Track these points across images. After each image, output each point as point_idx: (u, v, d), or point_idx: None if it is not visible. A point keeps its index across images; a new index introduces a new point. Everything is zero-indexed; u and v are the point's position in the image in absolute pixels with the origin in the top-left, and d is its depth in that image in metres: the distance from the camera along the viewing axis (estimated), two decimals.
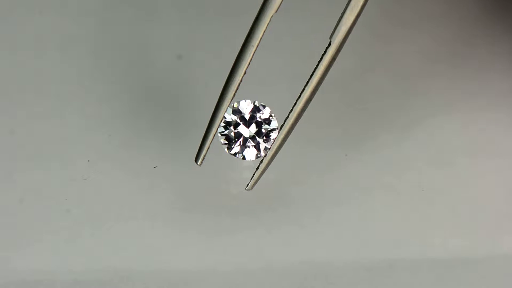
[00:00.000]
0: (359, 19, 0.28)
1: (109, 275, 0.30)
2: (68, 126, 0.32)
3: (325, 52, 0.28)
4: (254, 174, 0.29)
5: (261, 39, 0.28)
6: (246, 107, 0.30)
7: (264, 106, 0.30)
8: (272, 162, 0.29)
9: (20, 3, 0.34)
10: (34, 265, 0.30)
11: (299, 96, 0.28)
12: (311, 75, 0.28)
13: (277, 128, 0.30)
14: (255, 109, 0.30)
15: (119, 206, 0.31)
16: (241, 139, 0.30)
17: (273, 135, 0.30)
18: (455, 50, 0.34)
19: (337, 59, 0.28)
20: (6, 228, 0.31)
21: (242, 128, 0.30)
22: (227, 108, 0.29)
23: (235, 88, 0.28)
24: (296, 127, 0.29)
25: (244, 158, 0.30)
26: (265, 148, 0.30)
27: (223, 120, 0.29)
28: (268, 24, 0.28)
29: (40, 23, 0.34)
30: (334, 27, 0.28)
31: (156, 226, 0.31)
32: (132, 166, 0.32)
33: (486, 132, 0.33)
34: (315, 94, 0.28)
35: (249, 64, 0.28)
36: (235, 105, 0.30)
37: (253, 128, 0.30)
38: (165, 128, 0.32)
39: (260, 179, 0.29)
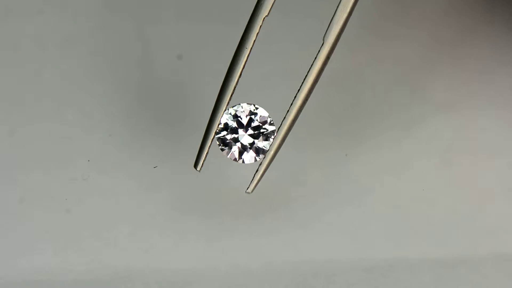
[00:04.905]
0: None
1: (109, 275, 0.30)
2: (68, 126, 0.32)
3: (318, 52, 0.28)
4: (254, 176, 0.29)
5: (254, 41, 0.28)
6: (243, 111, 0.30)
7: (261, 109, 0.30)
8: (272, 163, 0.29)
9: (20, 3, 0.34)
10: (34, 264, 0.30)
11: (295, 97, 0.28)
12: (306, 76, 0.28)
13: (275, 130, 0.30)
14: (252, 112, 0.30)
15: (119, 206, 0.31)
16: (239, 143, 0.30)
17: (271, 137, 0.30)
18: (455, 49, 0.34)
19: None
20: (6, 228, 0.31)
21: (239, 132, 0.30)
22: (223, 112, 0.29)
23: (231, 92, 0.28)
24: (295, 127, 0.29)
25: (243, 162, 0.30)
26: (264, 151, 0.30)
27: (220, 125, 0.29)
28: (261, 26, 0.28)
29: (40, 23, 0.34)
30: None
31: (156, 226, 0.31)
32: (132, 166, 0.32)
33: (487, 131, 0.33)
34: (310, 94, 0.28)
35: (243, 67, 0.28)
36: (232, 109, 0.30)
37: (250, 132, 0.30)
38: (165, 128, 0.32)
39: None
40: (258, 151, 0.30)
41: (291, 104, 0.28)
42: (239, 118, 0.30)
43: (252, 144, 0.30)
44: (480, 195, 0.31)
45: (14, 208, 0.31)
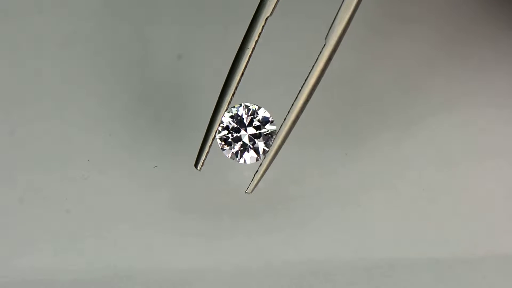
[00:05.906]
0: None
1: (109, 275, 0.30)
2: (68, 126, 0.32)
3: (320, 52, 0.28)
4: (253, 177, 0.29)
5: (257, 41, 0.28)
6: (244, 111, 0.30)
7: (262, 109, 0.30)
8: (272, 162, 0.29)
9: (20, 3, 0.34)
10: (34, 264, 0.30)
11: (296, 98, 0.28)
12: (307, 76, 0.28)
13: (276, 130, 0.30)
14: (253, 112, 0.30)
15: (119, 206, 0.31)
16: (240, 143, 0.30)
17: (272, 137, 0.30)
18: (455, 49, 0.34)
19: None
20: (6, 228, 0.31)
21: (241, 132, 0.30)
22: (225, 112, 0.29)
23: (232, 92, 0.28)
24: (295, 126, 0.29)
25: (244, 161, 0.30)
26: (264, 151, 0.30)
27: (221, 124, 0.29)
28: (263, 26, 0.28)
29: (40, 23, 0.34)
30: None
31: (156, 226, 0.31)
32: (132, 165, 0.32)
33: (487, 131, 0.33)
34: (312, 95, 0.28)
35: (245, 67, 0.28)
36: (233, 109, 0.30)
37: (251, 131, 0.30)
38: (165, 128, 0.32)
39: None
40: (259, 151, 0.30)
41: (292, 105, 0.28)
42: (241, 118, 0.30)
43: (253, 143, 0.30)
44: (480, 195, 0.31)
45: (14, 208, 0.31)
